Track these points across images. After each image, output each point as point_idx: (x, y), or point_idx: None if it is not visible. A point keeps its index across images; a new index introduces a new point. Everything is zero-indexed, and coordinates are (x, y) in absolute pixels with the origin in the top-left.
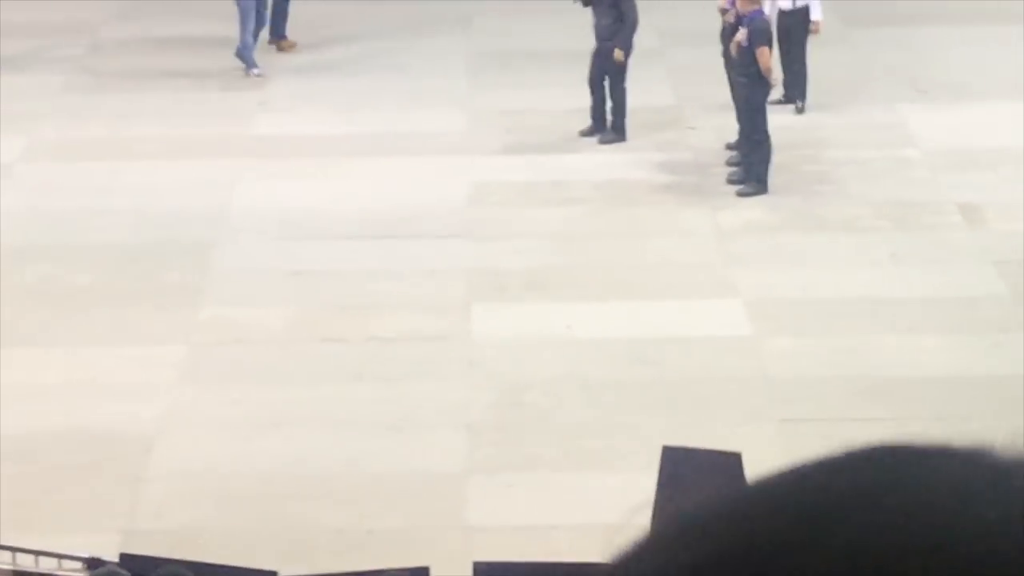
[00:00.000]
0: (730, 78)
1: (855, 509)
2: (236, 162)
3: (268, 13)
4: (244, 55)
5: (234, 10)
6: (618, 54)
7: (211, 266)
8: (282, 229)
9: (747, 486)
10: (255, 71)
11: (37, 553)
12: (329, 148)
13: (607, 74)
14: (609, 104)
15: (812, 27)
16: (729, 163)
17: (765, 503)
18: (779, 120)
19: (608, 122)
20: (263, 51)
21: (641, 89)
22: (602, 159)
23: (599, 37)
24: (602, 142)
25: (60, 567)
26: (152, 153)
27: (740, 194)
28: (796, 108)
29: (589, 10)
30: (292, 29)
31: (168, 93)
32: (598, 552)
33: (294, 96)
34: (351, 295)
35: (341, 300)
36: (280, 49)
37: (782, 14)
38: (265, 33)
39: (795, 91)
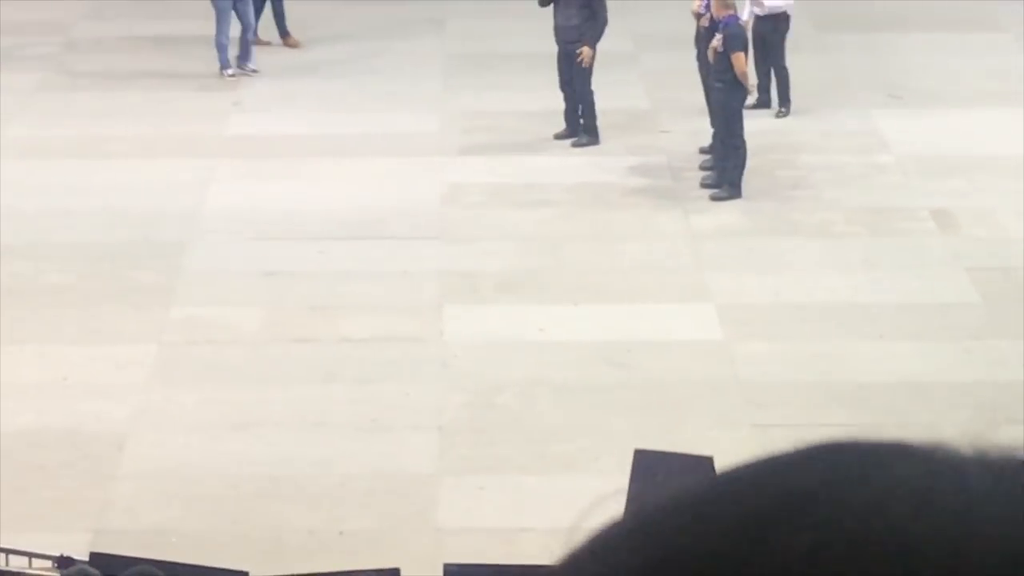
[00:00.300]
0: (704, 82)
1: (811, 508)
2: (209, 162)
3: (252, 15)
4: (218, 56)
5: (210, 10)
6: (587, 52)
7: (183, 266)
8: (255, 229)
9: (700, 485)
10: (228, 71)
11: (7, 551)
12: (303, 149)
13: (575, 76)
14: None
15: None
16: (703, 167)
17: (718, 502)
18: (753, 125)
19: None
20: (260, 50)
21: (615, 93)
22: (575, 162)
23: (564, 39)
24: (575, 145)
25: (30, 566)
26: (125, 152)
27: (714, 198)
28: (779, 113)
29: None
30: (265, 30)
31: (142, 92)
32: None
33: (268, 96)
34: (323, 296)
35: (313, 301)
36: (287, 45)
37: (758, 19)
38: (273, 34)
39: (768, 96)
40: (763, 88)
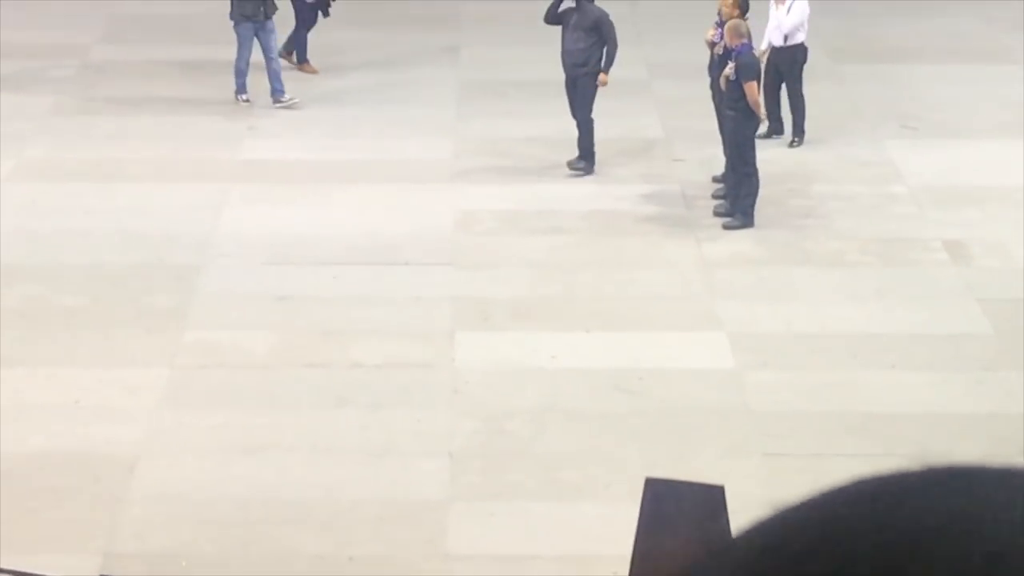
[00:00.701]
0: (718, 111)
1: (974, 528)
2: (223, 186)
3: (274, 44)
4: (235, 80)
5: (225, 35)
6: (603, 78)
7: (197, 289)
8: (268, 254)
9: (833, 513)
10: (243, 97)
11: (17, 574)
12: (317, 174)
13: (575, 100)
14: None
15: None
16: (715, 196)
17: (865, 525)
18: (766, 154)
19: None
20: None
21: (629, 121)
22: (588, 189)
23: (571, 62)
24: (571, 167)
25: None
26: (140, 176)
27: (726, 227)
28: (792, 143)
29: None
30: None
31: (157, 116)
32: None
33: (283, 122)
34: (336, 321)
35: (325, 326)
36: (304, 71)
37: (775, 50)
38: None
39: (780, 124)
40: (774, 117)
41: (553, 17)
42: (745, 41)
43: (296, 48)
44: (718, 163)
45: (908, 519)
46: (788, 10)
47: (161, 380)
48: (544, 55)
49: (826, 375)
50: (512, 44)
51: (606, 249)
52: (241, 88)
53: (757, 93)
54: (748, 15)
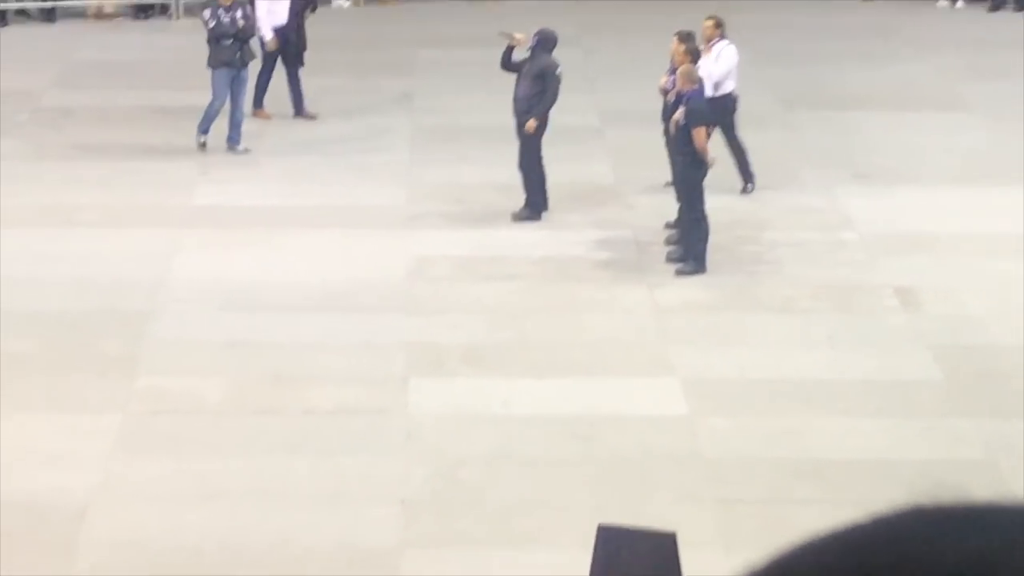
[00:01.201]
0: (671, 157)
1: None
2: (177, 232)
3: (244, 95)
4: (202, 119)
5: (178, 80)
6: (530, 124)
7: (149, 335)
8: (221, 300)
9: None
10: (202, 139)
11: None
12: (270, 220)
13: (520, 147)
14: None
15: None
16: (668, 242)
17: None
18: (719, 201)
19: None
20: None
21: (581, 167)
22: (542, 235)
23: (517, 110)
24: (515, 219)
25: None
26: (93, 221)
27: (679, 273)
28: (744, 189)
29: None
30: (278, 102)
31: (110, 161)
32: None
33: (236, 168)
34: (289, 367)
35: (278, 372)
36: (257, 117)
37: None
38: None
39: (742, 174)
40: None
41: (508, 64)
42: (697, 87)
43: (256, 92)
44: (671, 209)
45: (929, 564)
46: (716, 57)
47: (113, 426)
48: (497, 101)
49: (778, 421)
50: (466, 90)
51: (559, 295)
52: (204, 130)
53: (705, 139)
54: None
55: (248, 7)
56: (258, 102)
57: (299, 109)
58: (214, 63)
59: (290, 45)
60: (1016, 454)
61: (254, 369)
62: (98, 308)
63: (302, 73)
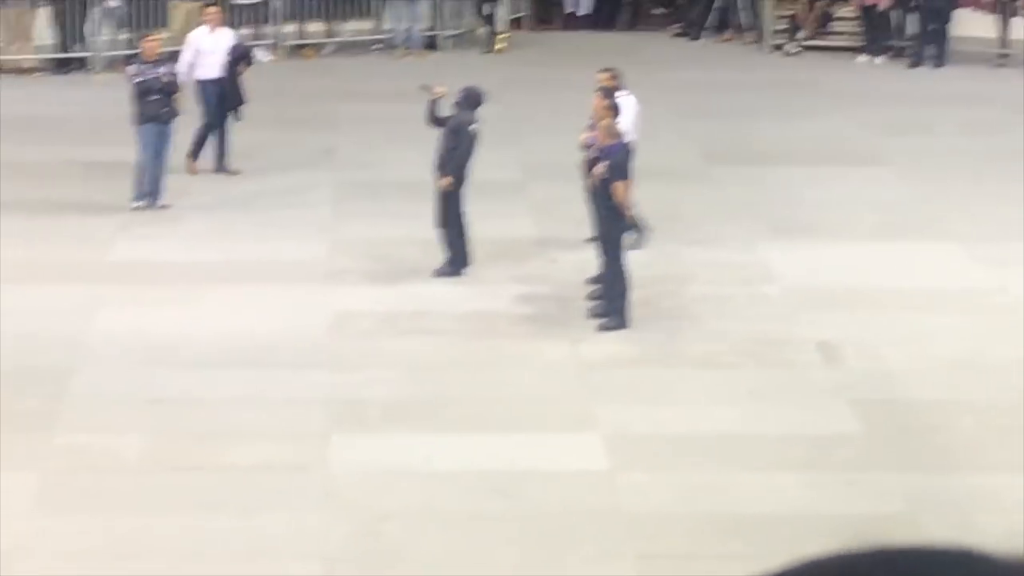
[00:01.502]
0: (592, 212)
1: None
2: (96, 287)
3: (170, 151)
4: (134, 181)
5: (94, 136)
6: (443, 182)
7: (68, 392)
8: (141, 356)
9: None
10: (136, 204)
11: None
12: (190, 275)
13: (437, 203)
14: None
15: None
16: (590, 296)
17: None
18: (640, 255)
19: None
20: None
21: (504, 222)
22: (463, 290)
23: (435, 165)
24: (436, 274)
25: None
26: (10, 277)
27: (601, 328)
28: (635, 243)
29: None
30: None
31: (28, 217)
32: None
33: (156, 222)
34: (208, 423)
35: (199, 428)
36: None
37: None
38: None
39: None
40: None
41: (433, 119)
42: (618, 141)
43: (193, 143)
44: (593, 264)
45: None
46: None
47: (30, 484)
48: (419, 156)
49: (700, 476)
50: (388, 145)
51: (481, 350)
52: (139, 195)
53: (624, 193)
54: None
55: (173, 62)
56: (195, 154)
57: (221, 164)
58: (140, 119)
59: (225, 100)
60: (937, 508)
61: (174, 426)
62: (16, 365)
63: (232, 128)
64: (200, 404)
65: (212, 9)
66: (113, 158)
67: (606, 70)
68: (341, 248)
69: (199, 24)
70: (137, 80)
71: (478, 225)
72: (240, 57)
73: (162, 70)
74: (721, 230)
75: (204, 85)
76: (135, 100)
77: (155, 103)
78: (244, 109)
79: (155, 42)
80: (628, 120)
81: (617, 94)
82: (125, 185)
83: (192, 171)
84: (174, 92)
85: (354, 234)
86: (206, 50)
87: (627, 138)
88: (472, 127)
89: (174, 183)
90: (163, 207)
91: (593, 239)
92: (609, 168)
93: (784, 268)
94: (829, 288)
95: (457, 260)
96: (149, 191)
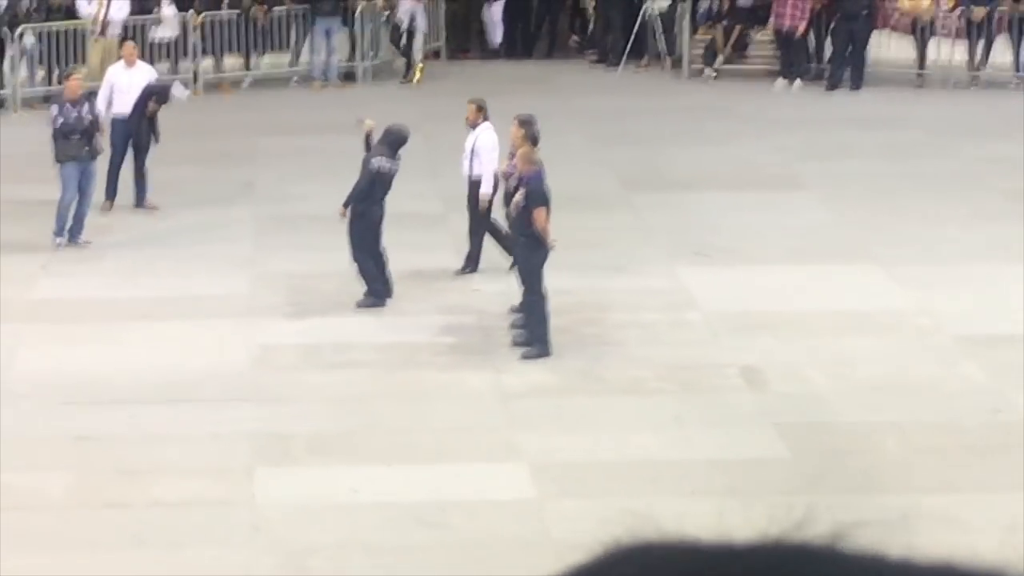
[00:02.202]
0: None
1: None
2: (16, 326)
3: (92, 189)
4: (56, 222)
5: (13, 172)
6: (339, 211)
7: None
8: (64, 394)
9: None
10: (59, 240)
11: None
12: (111, 313)
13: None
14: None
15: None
16: (513, 326)
17: None
18: (561, 283)
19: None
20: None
21: (424, 253)
22: (385, 322)
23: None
24: (359, 306)
25: None
26: None
27: (524, 356)
28: (463, 270)
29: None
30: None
31: None
32: None
33: (77, 260)
34: (133, 460)
35: (123, 465)
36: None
37: (469, 181)
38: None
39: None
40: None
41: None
42: (536, 169)
43: (107, 184)
44: (515, 293)
45: None
46: (476, 139)
47: None
48: (338, 189)
49: (627, 502)
50: (307, 178)
51: (405, 381)
52: (59, 231)
53: (545, 221)
54: (539, 146)
55: (93, 100)
56: (110, 193)
57: (141, 200)
58: (62, 158)
59: (139, 136)
60: (866, 530)
61: (98, 463)
62: None
63: (149, 164)
64: (124, 441)
65: (129, 45)
66: (33, 197)
67: (473, 101)
68: (263, 282)
69: (116, 60)
70: (59, 121)
71: (399, 256)
72: (149, 95)
73: (84, 110)
74: (641, 256)
75: (114, 124)
76: (56, 140)
77: (76, 143)
78: (154, 148)
79: (76, 81)
80: (488, 153)
81: (482, 124)
82: (46, 223)
83: (106, 209)
84: (95, 132)
85: (275, 268)
86: (122, 87)
87: (487, 170)
88: (374, 162)
89: (94, 221)
90: (85, 244)
91: (514, 267)
92: (527, 196)
93: (706, 293)
94: (751, 312)
95: (377, 291)
96: (71, 228)
